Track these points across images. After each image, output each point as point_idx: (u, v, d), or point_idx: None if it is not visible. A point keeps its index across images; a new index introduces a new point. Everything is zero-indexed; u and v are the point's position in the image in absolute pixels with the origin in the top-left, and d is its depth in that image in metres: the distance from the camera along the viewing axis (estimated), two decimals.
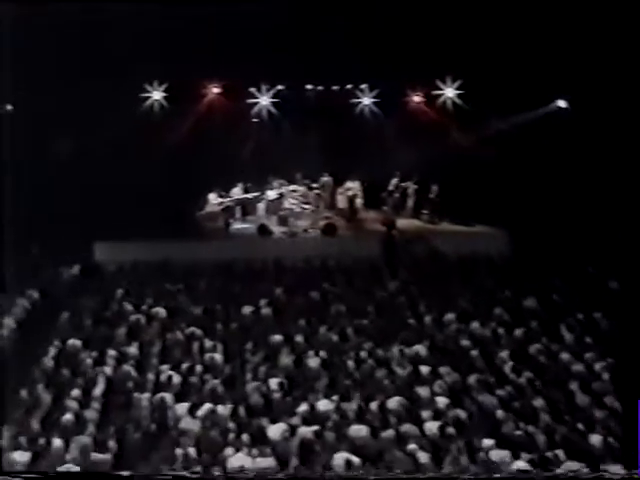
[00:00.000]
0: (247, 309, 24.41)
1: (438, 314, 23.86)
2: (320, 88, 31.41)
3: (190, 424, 18.68)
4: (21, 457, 17.63)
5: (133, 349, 22.18)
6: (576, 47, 26.17)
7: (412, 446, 17.44)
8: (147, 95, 30.86)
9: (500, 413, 18.71)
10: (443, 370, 20.67)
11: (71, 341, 22.60)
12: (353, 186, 31.36)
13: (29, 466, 17.41)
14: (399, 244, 29.02)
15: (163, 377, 20.75)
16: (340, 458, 17.06)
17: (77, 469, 17.12)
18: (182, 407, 19.24)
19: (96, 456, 17.66)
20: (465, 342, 22.34)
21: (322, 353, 21.67)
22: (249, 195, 31.20)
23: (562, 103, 30.98)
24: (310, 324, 23.39)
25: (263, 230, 29.91)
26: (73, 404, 19.59)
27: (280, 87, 31.10)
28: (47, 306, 25.41)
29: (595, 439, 17.55)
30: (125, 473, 14.80)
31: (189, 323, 23.52)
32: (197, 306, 24.61)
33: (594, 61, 26.39)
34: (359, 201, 31.36)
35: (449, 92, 30.89)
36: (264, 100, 31.19)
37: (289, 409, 19.14)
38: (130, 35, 25.55)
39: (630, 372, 10.49)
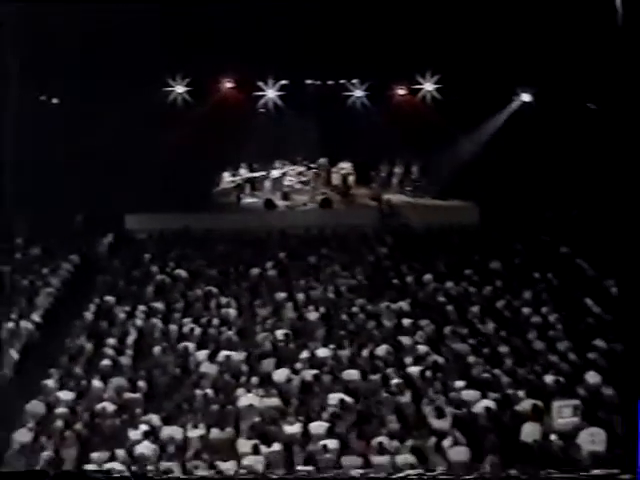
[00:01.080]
0: (255, 271, 24.51)
1: (418, 275, 23.92)
2: (318, 82, 31.31)
3: (208, 368, 18.87)
4: (65, 396, 17.85)
5: (160, 305, 22.32)
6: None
7: (395, 387, 17.68)
8: (171, 89, 30.79)
9: (471, 358, 18.92)
10: (423, 322, 20.79)
11: (107, 298, 22.78)
12: (346, 166, 31.25)
13: (73, 402, 17.63)
14: (386, 215, 29.08)
15: (186, 329, 20.91)
16: (334, 398, 17.26)
17: (113, 407, 17.36)
18: (202, 354, 19.43)
19: (129, 395, 17.88)
20: (441, 299, 22.47)
21: (321, 308, 21.80)
22: (256, 174, 31.18)
23: (526, 97, 30.78)
24: (309, 283, 23.51)
25: (269, 204, 29.85)
26: (110, 351, 19.82)
27: (284, 82, 31.00)
28: (87, 269, 25.56)
29: (548, 379, 17.70)
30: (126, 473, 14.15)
31: (207, 283, 23.66)
32: (213, 268, 24.72)
33: (557, 59, 26.24)
34: (351, 179, 31.29)
35: (428, 86, 30.79)
36: (270, 93, 31.09)
37: (293, 356, 19.31)
38: (157, 37, 25.59)
39: (630, 372, 10.07)
